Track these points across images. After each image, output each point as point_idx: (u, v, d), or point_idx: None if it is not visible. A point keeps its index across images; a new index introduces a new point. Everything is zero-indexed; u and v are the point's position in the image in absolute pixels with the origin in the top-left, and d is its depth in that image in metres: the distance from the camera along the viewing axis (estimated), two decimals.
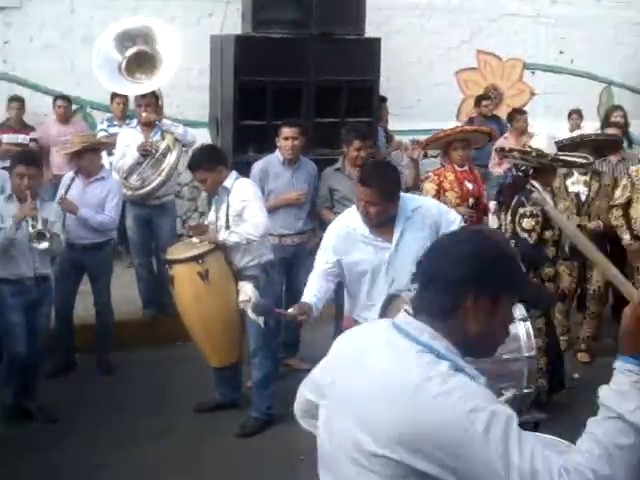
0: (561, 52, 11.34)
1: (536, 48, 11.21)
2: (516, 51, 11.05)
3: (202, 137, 7.75)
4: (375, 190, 4.16)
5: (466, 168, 6.49)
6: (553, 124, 9.74)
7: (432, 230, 4.39)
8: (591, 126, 9.12)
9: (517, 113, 9.67)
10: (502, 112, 10.47)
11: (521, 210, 5.66)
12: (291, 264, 6.38)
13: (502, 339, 2.02)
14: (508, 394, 4.00)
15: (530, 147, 5.87)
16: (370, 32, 8.45)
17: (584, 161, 6.16)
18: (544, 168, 5.76)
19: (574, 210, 6.61)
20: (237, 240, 5.33)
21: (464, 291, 1.89)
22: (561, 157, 5.88)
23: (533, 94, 11.19)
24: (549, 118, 10.10)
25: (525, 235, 5.53)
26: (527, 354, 4.03)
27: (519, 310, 4.01)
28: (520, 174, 5.93)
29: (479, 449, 1.71)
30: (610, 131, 7.16)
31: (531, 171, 5.78)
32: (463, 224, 4.66)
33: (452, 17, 10.46)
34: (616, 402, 1.81)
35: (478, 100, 9.98)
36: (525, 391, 4.05)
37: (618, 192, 6.62)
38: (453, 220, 4.52)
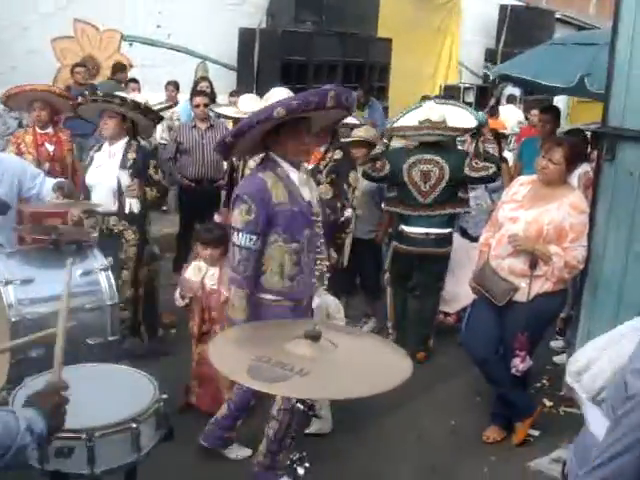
0: (158, 26, 11.61)
1: (134, 21, 11.34)
2: (114, 22, 11.09)
3: None
4: None
5: (49, 130, 6.44)
6: (151, 96, 9.96)
7: (13, 186, 4.48)
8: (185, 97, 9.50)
9: (131, 82, 10.42)
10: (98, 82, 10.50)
11: None
12: None
13: None
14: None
15: None
16: None
17: None
18: None
19: None
20: None
21: None
22: None
23: (131, 66, 11.31)
24: (147, 90, 10.30)
25: None
26: (109, 302, 4.18)
27: (100, 260, 4.15)
28: None
29: None
30: (197, 100, 7.58)
31: None
32: (48, 177, 4.80)
33: None
34: None
35: (72, 68, 9.99)
36: (110, 339, 4.20)
37: None
38: (38, 174, 4.72)
